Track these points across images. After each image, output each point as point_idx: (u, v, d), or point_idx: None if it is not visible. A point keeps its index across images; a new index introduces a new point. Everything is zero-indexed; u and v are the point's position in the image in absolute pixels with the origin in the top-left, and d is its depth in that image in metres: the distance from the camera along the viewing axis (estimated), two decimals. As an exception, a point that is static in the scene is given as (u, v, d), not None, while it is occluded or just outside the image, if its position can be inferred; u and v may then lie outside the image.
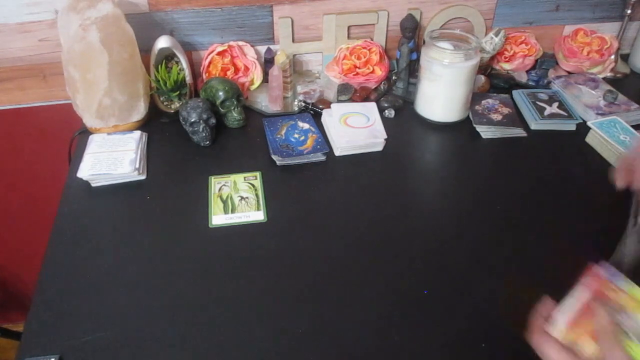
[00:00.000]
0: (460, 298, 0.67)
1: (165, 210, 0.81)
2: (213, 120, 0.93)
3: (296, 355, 0.60)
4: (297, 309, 0.65)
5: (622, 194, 0.86)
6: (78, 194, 0.84)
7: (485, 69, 1.14)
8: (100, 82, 0.90)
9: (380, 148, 0.94)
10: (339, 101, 1.06)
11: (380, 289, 0.68)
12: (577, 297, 0.48)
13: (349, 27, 1.10)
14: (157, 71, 0.98)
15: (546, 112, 1.01)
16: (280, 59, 1.02)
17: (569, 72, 1.17)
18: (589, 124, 0.96)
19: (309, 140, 0.93)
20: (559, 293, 0.66)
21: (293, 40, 1.10)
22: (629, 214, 0.65)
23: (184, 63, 1.01)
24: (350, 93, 1.06)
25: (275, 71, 0.99)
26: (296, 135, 0.95)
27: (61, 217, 0.79)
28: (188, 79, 1.02)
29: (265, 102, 1.05)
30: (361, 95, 1.06)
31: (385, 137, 0.93)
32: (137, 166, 0.86)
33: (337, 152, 0.92)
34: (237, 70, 1.05)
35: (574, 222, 0.79)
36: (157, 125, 0.99)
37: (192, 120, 0.91)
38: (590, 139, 0.96)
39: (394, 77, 1.11)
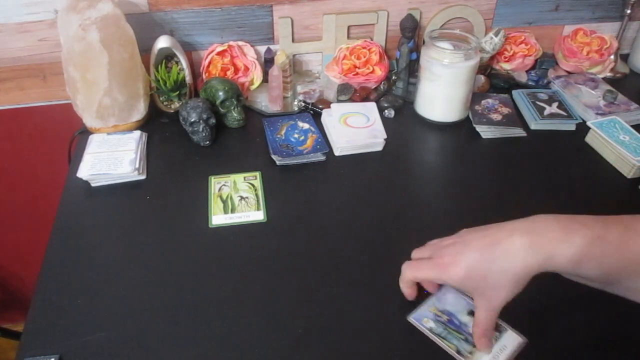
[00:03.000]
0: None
1: (165, 210, 0.81)
2: (213, 120, 0.93)
3: (296, 355, 0.60)
4: (297, 308, 0.65)
5: (623, 194, 0.86)
6: (78, 194, 0.84)
7: (485, 69, 1.14)
8: (100, 82, 0.90)
9: (380, 148, 0.94)
10: (338, 101, 1.06)
11: (380, 288, 0.68)
12: None
13: (348, 27, 1.10)
14: (157, 71, 0.98)
15: (546, 112, 1.01)
16: (280, 59, 1.02)
17: (569, 72, 1.17)
18: (588, 123, 0.96)
19: (308, 140, 0.93)
20: (552, 290, 0.67)
21: (293, 40, 1.10)
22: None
23: (184, 63, 1.01)
24: (350, 93, 1.06)
25: (275, 71, 0.99)
26: (296, 135, 0.95)
27: (61, 217, 0.79)
28: (188, 79, 1.02)
29: (265, 102, 1.05)
30: (361, 95, 1.06)
31: (385, 137, 0.93)
32: (137, 166, 0.86)
33: (337, 152, 0.93)
34: (237, 70, 1.05)
35: (573, 222, 0.79)
36: (157, 125, 0.99)
37: (192, 120, 0.91)
38: (590, 138, 0.96)
39: (393, 77, 1.11)
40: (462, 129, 1.00)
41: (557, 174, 0.90)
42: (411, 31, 1.06)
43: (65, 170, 0.90)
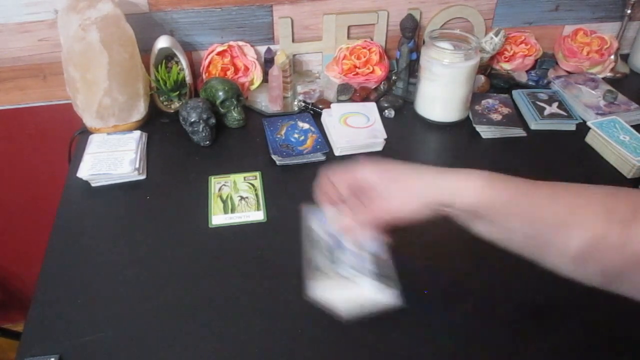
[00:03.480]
0: (460, 297, 0.67)
1: (165, 210, 0.81)
2: (213, 120, 0.93)
3: (296, 355, 0.60)
4: (297, 308, 0.65)
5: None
6: (78, 194, 0.84)
7: (485, 69, 1.14)
8: (100, 82, 0.90)
9: (380, 148, 0.94)
10: (338, 101, 1.06)
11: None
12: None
13: (349, 27, 1.10)
14: (157, 71, 0.98)
15: (546, 112, 1.01)
16: (280, 59, 1.02)
17: (569, 72, 1.17)
18: (588, 124, 0.96)
19: (308, 140, 0.93)
20: (552, 290, 0.67)
21: (293, 40, 1.10)
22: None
23: (184, 63, 1.01)
24: (350, 93, 1.06)
25: (275, 71, 0.99)
26: (296, 135, 0.95)
27: (61, 217, 0.79)
28: (188, 79, 1.02)
29: (265, 102, 1.05)
30: (361, 95, 1.06)
31: (385, 137, 0.93)
32: (137, 166, 0.86)
33: (337, 152, 0.93)
34: (237, 70, 1.05)
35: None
36: (157, 125, 0.99)
37: (192, 120, 0.91)
38: (590, 139, 0.96)
39: (393, 77, 1.11)
40: (462, 129, 1.00)
41: (557, 174, 0.89)
42: (411, 31, 1.06)
43: (65, 170, 0.90)
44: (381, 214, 0.54)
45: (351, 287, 0.54)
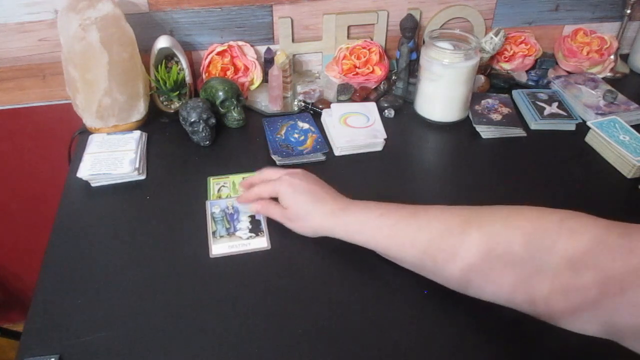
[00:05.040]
0: (460, 297, 0.67)
1: (165, 211, 0.81)
2: (213, 120, 0.93)
3: (296, 355, 0.60)
4: (297, 309, 0.65)
5: (623, 194, 0.86)
6: (78, 194, 0.84)
7: (485, 68, 1.14)
8: (100, 82, 0.90)
9: (380, 148, 0.94)
10: (338, 101, 1.06)
11: (380, 288, 0.68)
12: None
13: (348, 27, 1.10)
14: (157, 71, 0.98)
15: (546, 112, 1.01)
16: (280, 59, 1.02)
17: (569, 72, 1.17)
18: (588, 123, 0.96)
19: (308, 140, 0.94)
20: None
21: (293, 40, 1.10)
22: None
23: (184, 63, 1.01)
24: (350, 93, 1.06)
25: (275, 71, 0.99)
26: (296, 135, 0.95)
27: (61, 217, 0.79)
28: (188, 79, 1.02)
29: (265, 102, 1.05)
30: (361, 95, 1.06)
31: (385, 136, 0.94)
32: (137, 166, 0.86)
33: (337, 152, 0.93)
34: (236, 70, 1.05)
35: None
36: (157, 125, 0.99)
37: (192, 120, 0.91)
38: (589, 138, 0.96)
39: (393, 77, 1.11)
40: (462, 129, 1.00)
41: (557, 174, 0.90)
42: (411, 31, 1.06)
43: (65, 170, 0.90)
44: (285, 219, 0.73)
45: (237, 239, 0.75)
